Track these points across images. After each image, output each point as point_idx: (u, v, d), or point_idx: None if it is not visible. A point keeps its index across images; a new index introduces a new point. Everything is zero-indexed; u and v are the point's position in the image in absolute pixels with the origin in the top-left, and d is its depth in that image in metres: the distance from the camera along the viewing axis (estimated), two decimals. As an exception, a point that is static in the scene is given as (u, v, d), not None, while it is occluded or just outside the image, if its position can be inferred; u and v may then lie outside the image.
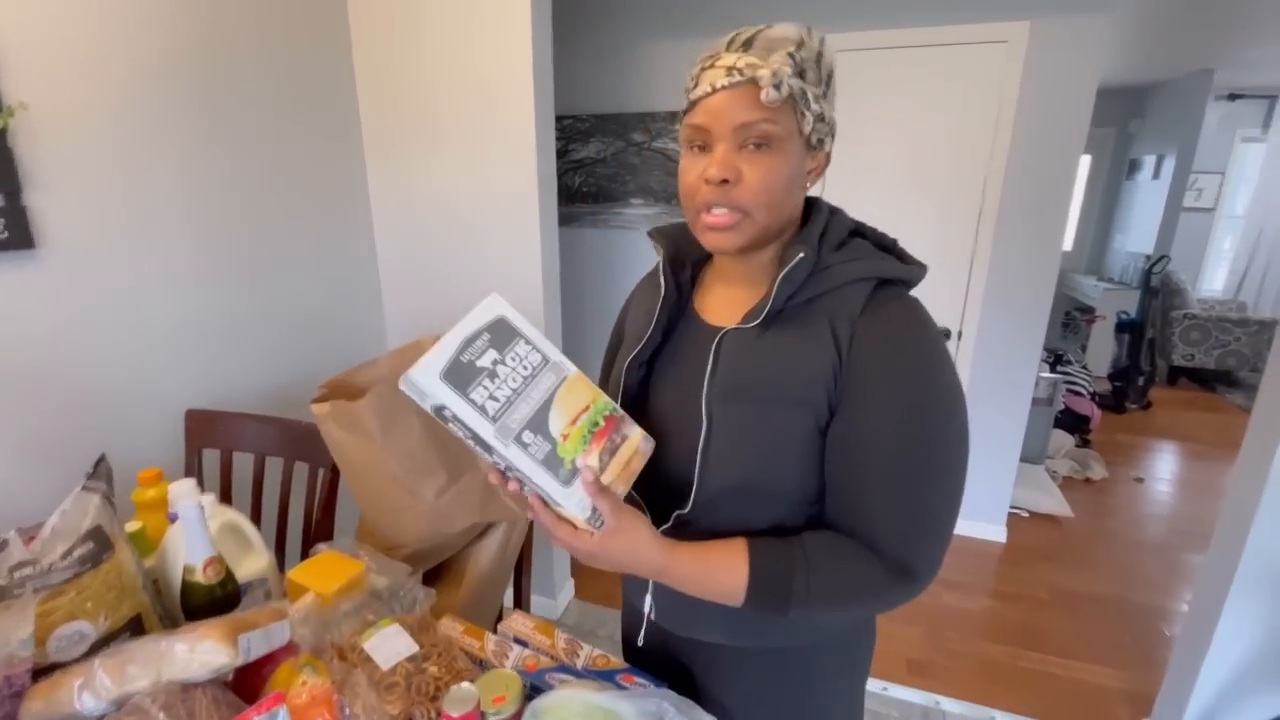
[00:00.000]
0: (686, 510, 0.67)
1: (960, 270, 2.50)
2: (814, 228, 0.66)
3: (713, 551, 0.64)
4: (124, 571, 0.85)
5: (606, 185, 2.87)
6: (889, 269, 0.64)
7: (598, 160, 2.86)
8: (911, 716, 1.84)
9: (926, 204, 2.49)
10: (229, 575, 0.89)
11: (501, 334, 0.62)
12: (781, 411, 0.63)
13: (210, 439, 1.34)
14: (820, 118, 0.61)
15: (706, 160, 0.61)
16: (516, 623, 0.92)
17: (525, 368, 0.62)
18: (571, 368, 0.66)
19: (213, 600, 0.86)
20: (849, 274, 0.63)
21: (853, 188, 2.55)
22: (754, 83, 0.58)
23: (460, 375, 0.58)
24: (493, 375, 0.60)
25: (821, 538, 0.64)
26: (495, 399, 0.59)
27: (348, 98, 1.83)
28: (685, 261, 0.76)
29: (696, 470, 0.66)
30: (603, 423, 0.65)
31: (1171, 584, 2.48)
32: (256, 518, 1.33)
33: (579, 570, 2.38)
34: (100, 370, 1.29)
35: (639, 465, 0.67)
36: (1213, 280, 5.74)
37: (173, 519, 0.99)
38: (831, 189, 2.58)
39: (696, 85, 0.61)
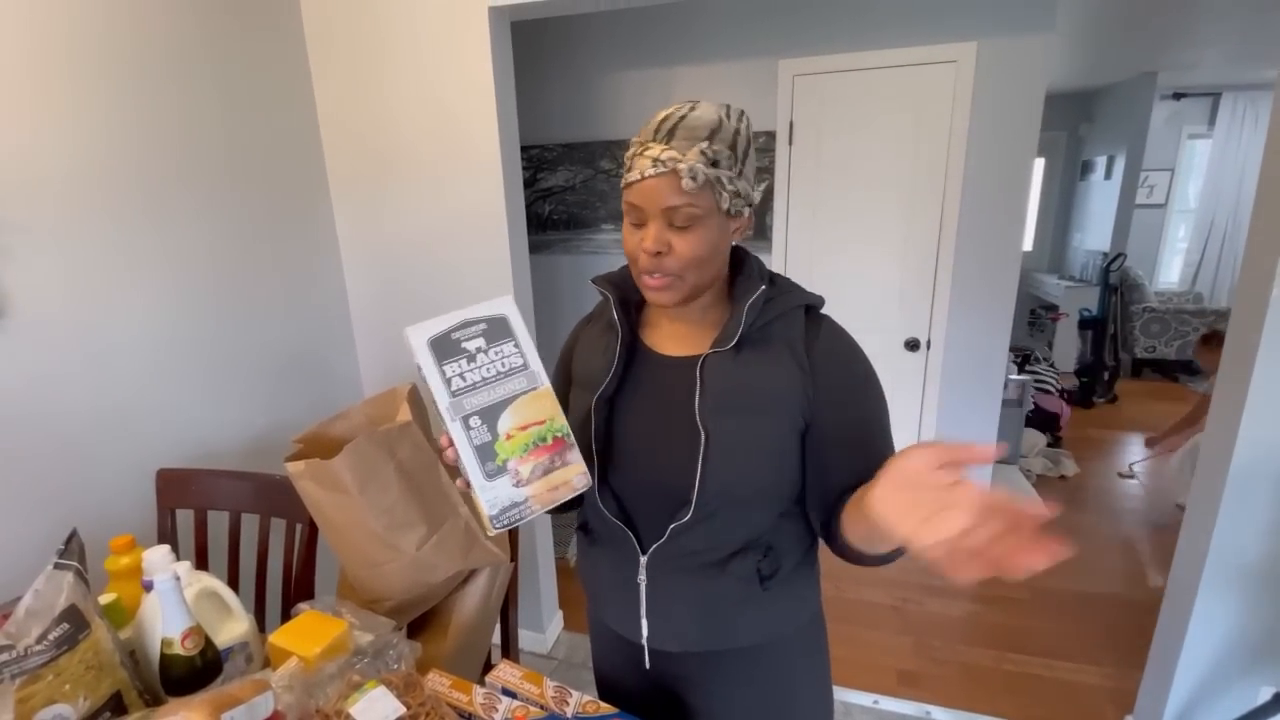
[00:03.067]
0: (687, 518, 0.74)
1: (925, 281, 2.57)
2: (753, 270, 0.79)
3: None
4: (101, 649, 0.83)
5: (577, 212, 2.91)
6: (811, 298, 0.80)
7: (567, 188, 2.89)
8: (904, 728, 1.86)
9: (890, 218, 2.55)
10: (209, 644, 0.88)
11: (497, 330, 0.71)
12: (765, 421, 0.74)
13: (183, 498, 1.32)
14: (736, 194, 0.72)
15: (642, 233, 0.72)
16: (504, 673, 0.92)
17: (504, 365, 0.70)
18: (545, 382, 0.72)
19: (193, 671, 0.85)
20: (789, 303, 0.78)
21: (818, 205, 2.61)
22: (675, 173, 0.68)
23: (444, 347, 0.68)
24: (471, 359, 0.69)
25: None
26: (463, 379, 0.68)
27: (310, 138, 1.82)
28: (630, 303, 0.85)
29: (698, 479, 0.73)
30: (551, 441, 0.71)
31: (1147, 578, 2.54)
32: (234, 577, 1.31)
33: (566, 601, 2.37)
34: (69, 433, 1.27)
35: (563, 496, 0.72)
36: (1169, 273, 5.93)
37: (148, 587, 0.97)
38: (796, 209, 2.63)
39: (630, 170, 0.72)
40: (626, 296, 0.84)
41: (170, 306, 1.45)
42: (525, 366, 0.71)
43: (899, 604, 2.42)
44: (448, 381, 0.67)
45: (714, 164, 0.69)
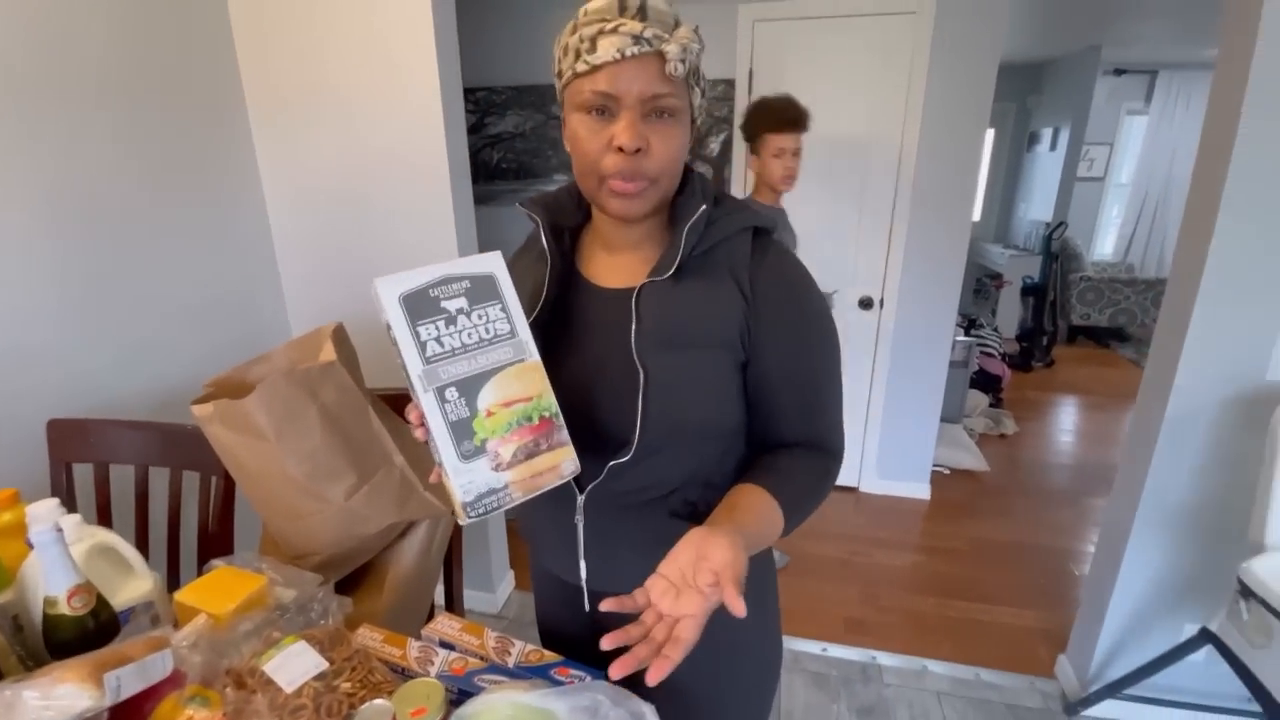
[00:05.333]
0: (627, 458, 0.68)
1: (880, 242, 2.56)
2: (697, 188, 0.71)
3: (754, 508, 0.66)
4: (-30, 612, 0.73)
5: (528, 161, 2.77)
6: (760, 219, 0.72)
7: (517, 134, 2.74)
8: (850, 673, 1.90)
9: (849, 176, 2.52)
10: (102, 603, 0.78)
11: (482, 289, 0.61)
12: (706, 354, 0.68)
13: (80, 451, 1.19)
14: (704, 93, 0.67)
15: (613, 128, 0.62)
16: (442, 625, 0.85)
17: (488, 331, 0.61)
18: (534, 354, 0.64)
19: (84, 633, 0.76)
20: (734, 225, 0.70)
21: (775, 160, 2.55)
22: (660, 55, 0.60)
23: (419, 305, 0.58)
24: (451, 321, 0.59)
25: (786, 455, 0.73)
26: (440, 344, 0.59)
27: (227, 68, 1.65)
28: (563, 230, 0.77)
29: (639, 418, 0.67)
30: (537, 420, 0.63)
31: (1079, 528, 2.67)
32: (143, 537, 1.19)
33: (518, 560, 2.32)
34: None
35: (548, 483, 0.64)
36: (1104, 244, 6.18)
37: (31, 545, 0.86)
38: (755, 162, 2.57)
39: (595, 49, 0.61)
40: (558, 222, 0.76)
41: (60, 247, 1.29)
42: (513, 334, 0.62)
43: (848, 556, 2.47)
44: (422, 346, 0.58)
45: (697, 53, 0.62)
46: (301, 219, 1.80)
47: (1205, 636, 1.41)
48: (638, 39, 0.59)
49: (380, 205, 1.73)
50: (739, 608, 0.50)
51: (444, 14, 1.60)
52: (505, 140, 2.76)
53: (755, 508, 0.66)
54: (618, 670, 0.51)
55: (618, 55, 0.59)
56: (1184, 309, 1.43)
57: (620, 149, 0.62)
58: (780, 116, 1.77)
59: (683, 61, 0.60)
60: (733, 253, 0.70)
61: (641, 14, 0.61)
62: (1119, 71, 5.57)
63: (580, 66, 0.62)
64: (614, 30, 0.59)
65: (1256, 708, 1.31)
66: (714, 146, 2.58)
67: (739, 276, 0.69)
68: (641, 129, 0.62)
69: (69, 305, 1.32)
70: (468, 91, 2.68)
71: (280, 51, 1.65)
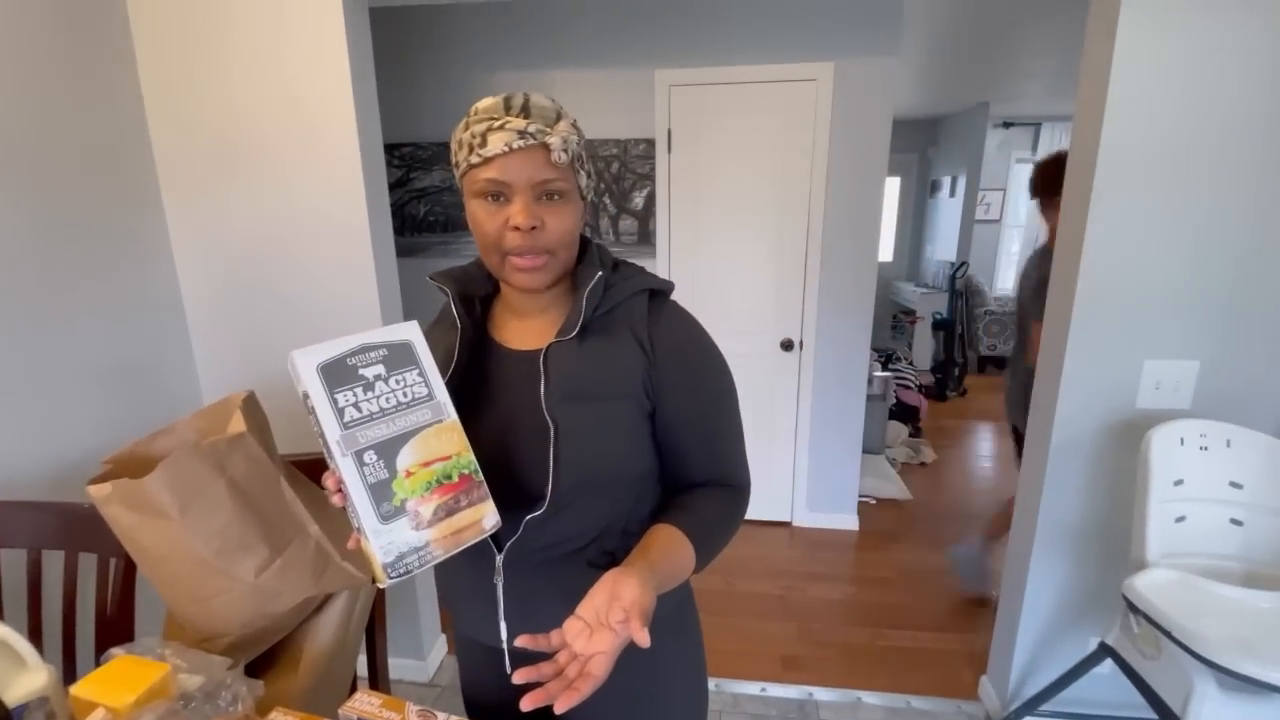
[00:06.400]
0: (541, 511, 0.71)
1: (796, 285, 2.71)
2: (594, 258, 0.78)
3: (665, 547, 0.70)
4: None
5: (454, 213, 2.79)
6: (655, 282, 0.79)
7: (444, 188, 2.77)
8: (788, 712, 1.92)
9: (764, 226, 2.67)
10: (-12, 706, 0.73)
11: (399, 356, 0.64)
12: (612, 405, 0.73)
13: (-38, 538, 1.10)
14: (590, 174, 0.75)
15: (508, 210, 0.68)
16: (360, 702, 0.83)
17: (406, 395, 0.64)
18: (452, 415, 0.67)
19: (-36, 740, 0.70)
20: (631, 287, 0.77)
21: (699, 211, 2.68)
22: (545, 146, 0.67)
23: (337, 374, 0.61)
24: (369, 387, 0.62)
25: (696, 495, 0.78)
26: (358, 409, 0.61)
27: (133, 124, 1.61)
28: (473, 299, 0.82)
29: (551, 471, 0.70)
30: (457, 478, 0.65)
31: (997, 550, 2.81)
32: (36, 626, 1.11)
33: (450, 624, 2.24)
34: None
35: (470, 539, 0.66)
36: (1006, 280, 6.70)
37: (-99, 648, 0.80)
38: (677, 216, 2.69)
39: (485, 144, 0.67)
40: (468, 291, 0.81)
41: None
42: (430, 397, 0.65)
43: (784, 592, 2.52)
44: (340, 412, 0.60)
45: (578, 141, 0.70)
46: (214, 280, 1.74)
47: (1104, 650, 1.52)
48: (522, 134, 0.66)
49: (299, 262, 1.71)
50: (643, 639, 0.55)
51: (362, 71, 1.62)
52: (431, 194, 2.78)
53: (666, 546, 0.71)
54: (529, 703, 0.54)
55: (505, 149, 0.66)
56: (1058, 347, 1.58)
57: (517, 228, 0.68)
58: None
59: (565, 150, 0.67)
60: (631, 312, 0.76)
61: (525, 111, 0.68)
62: (1007, 124, 6.15)
63: (474, 159, 0.68)
64: (501, 127, 0.66)
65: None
66: (638, 200, 2.69)
67: (638, 333, 0.75)
68: (535, 209, 0.68)
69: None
70: (393, 147, 2.70)
71: (192, 109, 1.63)
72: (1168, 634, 1.24)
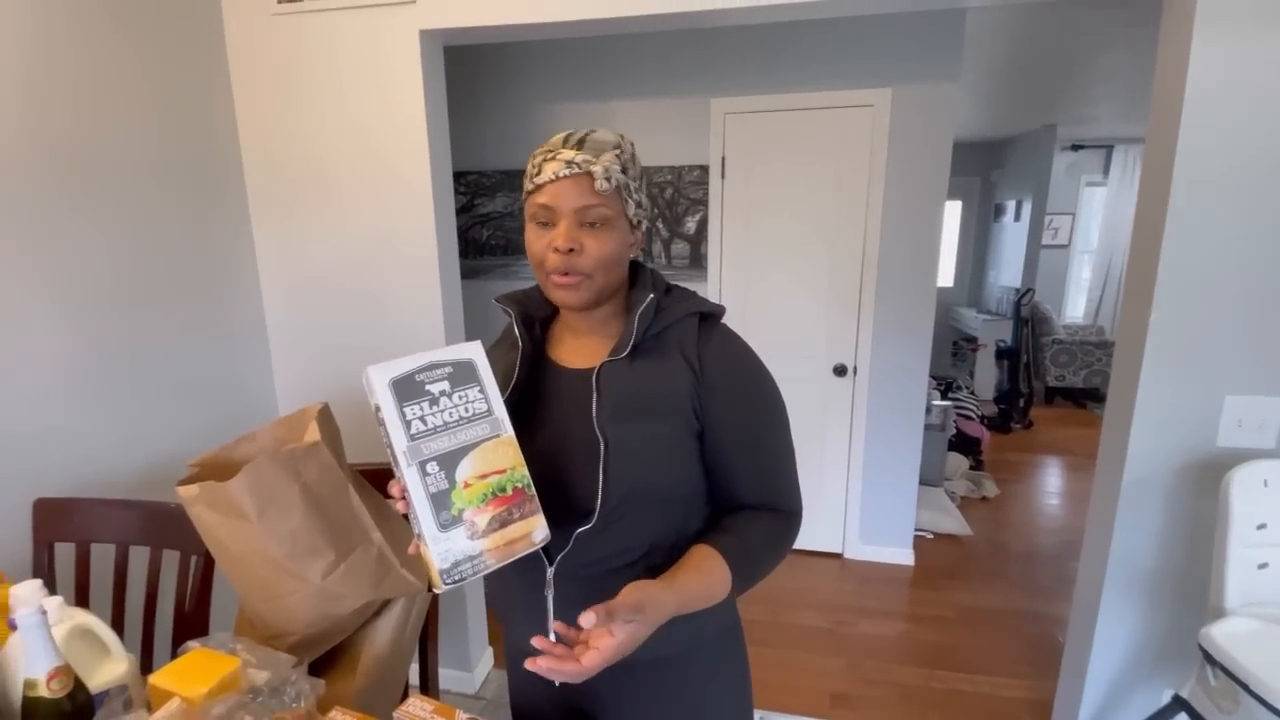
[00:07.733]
0: (591, 525, 0.74)
1: (850, 311, 2.67)
2: (647, 281, 0.82)
3: (699, 565, 0.73)
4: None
5: (515, 237, 2.90)
6: (706, 305, 0.82)
7: (505, 214, 2.89)
8: (836, 751, 1.86)
9: (817, 250, 2.66)
10: (79, 686, 0.80)
11: (463, 373, 0.69)
12: (661, 423, 0.76)
13: (63, 531, 1.21)
14: (639, 204, 0.78)
15: (552, 234, 0.74)
16: (413, 707, 0.86)
17: (467, 411, 0.68)
18: (509, 431, 0.70)
19: (61, 717, 0.77)
20: (682, 310, 0.80)
21: (750, 236, 2.70)
22: (589, 175, 0.72)
23: (406, 389, 0.65)
24: (434, 402, 0.66)
25: (742, 517, 0.79)
26: (424, 422, 0.65)
27: (230, 157, 1.76)
28: (534, 320, 0.87)
29: (600, 485, 0.73)
30: (510, 491, 0.69)
31: (1062, 591, 2.67)
32: (119, 617, 1.20)
33: (497, 638, 2.28)
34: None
35: (520, 551, 0.69)
36: (1075, 308, 6.40)
37: (13, 626, 0.88)
38: (730, 240, 2.71)
39: (540, 173, 0.74)
40: (530, 313, 0.86)
41: (61, 323, 1.35)
42: (489, 413, 0.69)
43: (833, 626, 2.45)
44: (407, 424, 0.64)
45: (623, 171, 0.74)
46: (294, 302, 1.88)
47: (1178, 703, 1.42)
48: (570, 163, 0.72)
49: (371, 286, 1.82)
50: (586, 618, 0.59)
51: (435, 107, 1.74)
52: (494, 219, 2.90)
53: (699, 565, 0.73)
54: (530, 664, 0.60)
55: (554, 176, 0.72)
56: (1131, 377, 1.50)
57: (557, 250, 0.73)
58: None
59: (608, 179, 0.72)
60: (682, 335, 0.79)
61: (579, 144, 0.73)
62: (1076, 147, 5.93)
63: (530, 185, 0.76)
64: (553, 157, 0.73)
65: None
66: (691, 225, 2.73)
67: (688, 355, 0.78)
68: (576, 234, 0.73)
69: (71, 386, 1.37)
70: (460, 175, 2.84)
71: (280, 149, 1.77)
72: (1246, 687, 1.16)
